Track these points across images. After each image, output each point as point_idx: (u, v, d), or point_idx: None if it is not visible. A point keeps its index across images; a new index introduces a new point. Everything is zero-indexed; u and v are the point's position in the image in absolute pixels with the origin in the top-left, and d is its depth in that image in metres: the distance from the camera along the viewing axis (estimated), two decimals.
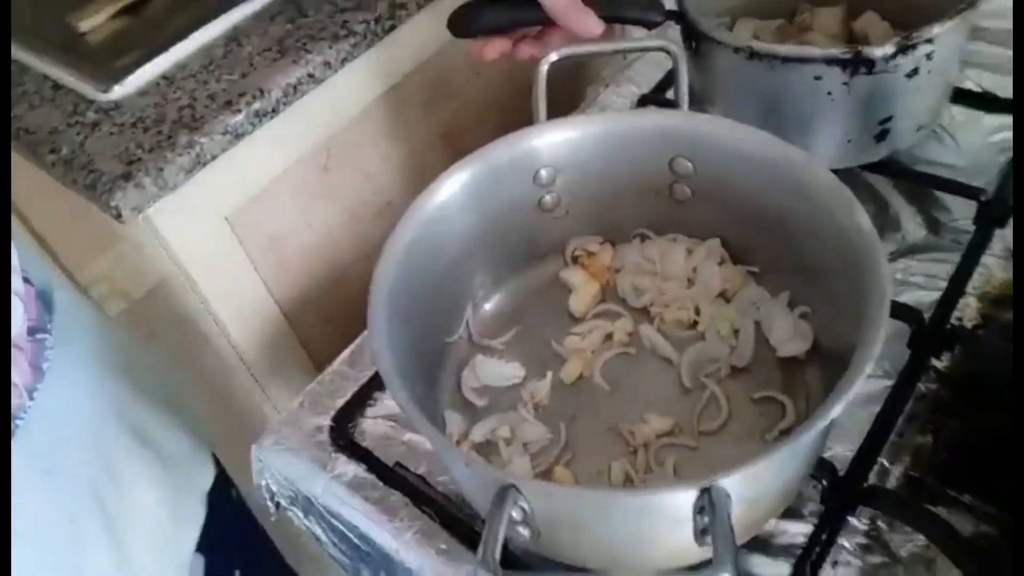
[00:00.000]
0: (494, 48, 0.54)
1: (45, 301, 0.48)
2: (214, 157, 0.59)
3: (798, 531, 0.44)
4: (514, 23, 0.54)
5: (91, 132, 0.60)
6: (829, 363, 0.47)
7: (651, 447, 0.46)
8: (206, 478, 0.59)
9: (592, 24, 0.51)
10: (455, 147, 0.81)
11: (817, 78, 0.51)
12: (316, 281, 0.74)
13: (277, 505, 0.56)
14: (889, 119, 0.55)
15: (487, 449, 0.48)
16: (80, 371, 0.49)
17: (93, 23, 0.69)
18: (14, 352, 0.43)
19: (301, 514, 0.55)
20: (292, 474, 0.53)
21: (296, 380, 0.78)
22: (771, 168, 0.48)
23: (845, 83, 0.51)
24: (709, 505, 0.32)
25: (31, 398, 0.44)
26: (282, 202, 0.68)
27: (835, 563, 0.42)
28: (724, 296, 0.53)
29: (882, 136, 0.55)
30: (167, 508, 0.53)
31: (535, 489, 0.35)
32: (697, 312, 0.52)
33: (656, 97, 0.71)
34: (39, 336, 0.46)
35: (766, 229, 0.51)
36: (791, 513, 0.44)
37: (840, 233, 0.44)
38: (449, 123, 0.79)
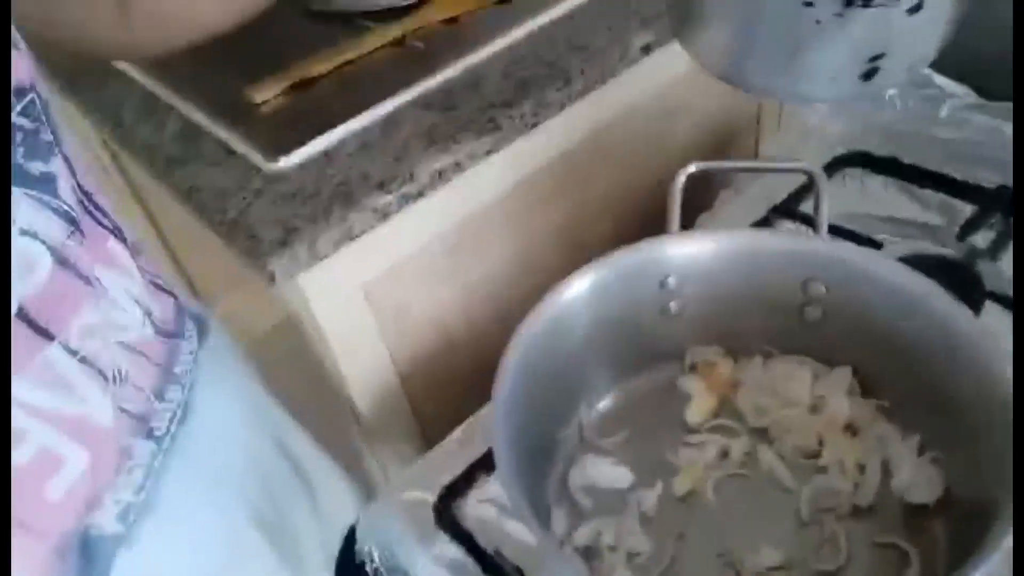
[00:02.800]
0: None
1: (199, 322, 0.49)
2: (362, 232, 0.63)
3: None
4: None
5: (255, 198, 0.65)
6: (961, 514, 0.45)
7: None
8: (348, 515, 0.59)
9: None
10: (571, 239, 0.83)
11: (807, 4, 0.45)
12: (428, 352, 0.77)
13: (376, 571, 0.58)
14: (880, 57, 0.48)
15: (589, 553, 0.48)
16: (237, 399, 0.51)
17: (266, 96, 0.76)
18: (135, 357, 0.42)
19: None
20: (396, 545, 0.54)
21: (402, 441, 0.80)
22: (911, 303, 0.47)
23: (838, 14, 0.45)
24: None
25: (161, 399, 0.43)
26: (410, 276, 0.71)
27: None
28: (851, 427, 0.51)
29: (869, 75, 0.49)
30: (319, 544, 0.54)
31: None
32: (820, 443, 0.51)
33: (788, 208, 0.71)
34: (173, 340, 0.45)
35: (901, 363, 0.49)
36: None
37: (984, 383, 0.43)
38: (568, 216, 0.81)
